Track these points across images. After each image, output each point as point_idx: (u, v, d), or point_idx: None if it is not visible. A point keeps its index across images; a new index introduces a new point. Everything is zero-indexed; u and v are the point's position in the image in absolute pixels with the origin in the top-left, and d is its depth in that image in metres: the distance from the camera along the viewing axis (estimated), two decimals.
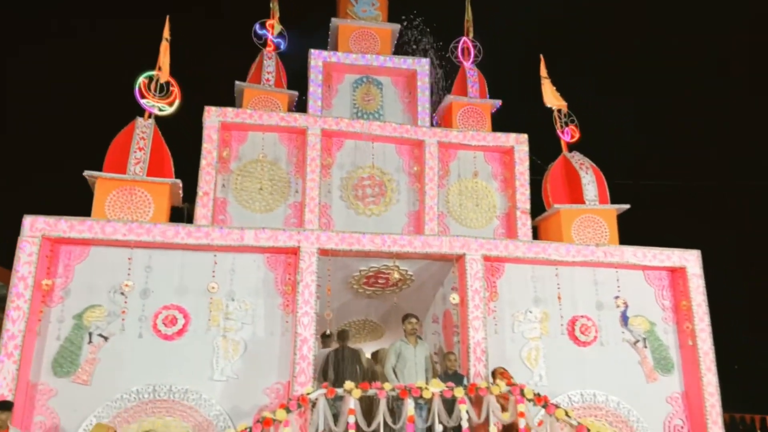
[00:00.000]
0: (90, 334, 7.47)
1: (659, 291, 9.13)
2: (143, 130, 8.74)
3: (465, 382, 7.58)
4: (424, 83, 10.40)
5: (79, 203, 8.64)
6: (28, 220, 7.47)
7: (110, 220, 7.84)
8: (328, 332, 9.27)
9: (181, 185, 8.86)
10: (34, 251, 7.33)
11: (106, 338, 7.50)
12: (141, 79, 8.98)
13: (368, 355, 10.85)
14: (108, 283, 7.68)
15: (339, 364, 8.89)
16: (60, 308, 7.52)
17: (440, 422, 6.50)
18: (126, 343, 7.55)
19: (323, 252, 8.18)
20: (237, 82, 10.05)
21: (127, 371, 7.44)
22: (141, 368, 7.48)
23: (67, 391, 7.24)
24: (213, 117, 9.21)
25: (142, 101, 8.99)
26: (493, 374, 7.77)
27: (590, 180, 9.75)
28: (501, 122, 10.66)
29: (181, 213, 9.48)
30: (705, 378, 8.43)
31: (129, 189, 8.37)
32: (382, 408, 6.46)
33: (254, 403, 7.56)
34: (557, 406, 6.72)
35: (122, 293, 7.62)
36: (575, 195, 9.85)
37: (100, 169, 8.43)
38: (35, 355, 7.26)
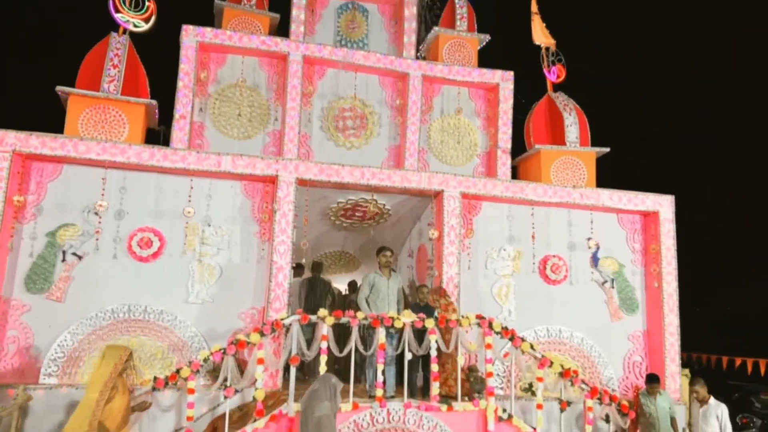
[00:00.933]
0: (63, 253, 7.47)
1: (631, 234, 9.38)
2: (117, 47, 8.46)
3: (436, 314, 7.80)
4: (411, 13, 10.11)
5: (52, 120, 8.45)
6: None
7: (83, 138, 7.68)
8: (302, 262, 9.45)
9: (156, 106, 8.67)
10: (5, 167, 7.19)
11: (80, 257, 7.51)
12: None
13: (345, 285, 11.10)
14: (82, 203, 7.62)
15: (312, 293, 9.12)
16: (32, 225, 7.47)
17: (410, 350, 6.73)
18: (100, 263, 7.58)
19: (301, 182, 8.19)
20: (216, 1, 9.67)
21: (102, 291, 7.51)
22: (116, 288, 7.55)
23: (40, 308, 7.30)
24: (191, 36, 8.90)
25: (117, 16, 8.64)
26: (434, 291, 8.03)
27: (573, 122, 9.78)
28: (488, 60, 10.51)
29: (157, 135, 9.33)
30: (667, 318, 8.82)
31: (102, 107, 8.17)
32: (354, 335, 6.65)
33: (229, 326, 7.73)
34: (523, 340, 6.99)
35: (96, 213, 7.57)
36: (557, 136, 9.89)
37: (72, 86, 8.19)
38: (8, 271, 7.26)
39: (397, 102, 9.76)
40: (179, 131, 8.52)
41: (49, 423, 6.72)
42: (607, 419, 6.85)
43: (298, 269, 9.24)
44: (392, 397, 6.81)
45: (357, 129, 9.61)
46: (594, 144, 9.91)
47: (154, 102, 8.55)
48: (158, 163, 7.76)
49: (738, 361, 10.79)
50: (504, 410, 6.72)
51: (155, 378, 5.98)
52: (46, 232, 7.48)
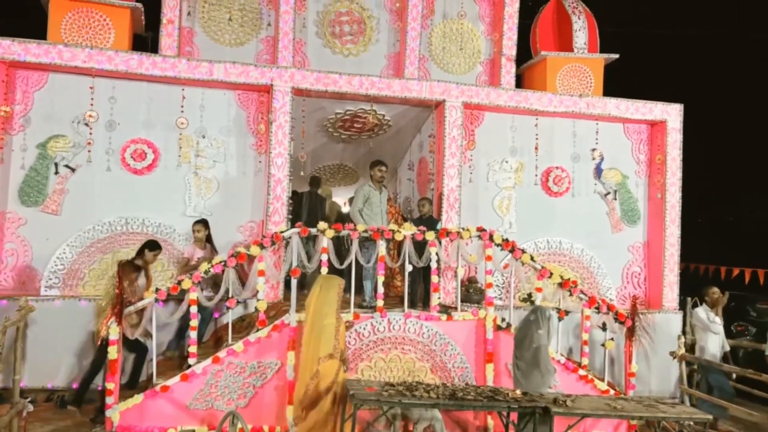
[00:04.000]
0: (56, 165, 7.36)
1: (636, 144, 9.23)
2: None
3: (438, 226, 7.81)
4: None
5: (34, 26, 8.03)
6: None
7: (68, 44, 7.34)
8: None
9: (142, 11, 8.23)
10: None
11: (73, 169, 7.40)
12: None
13: (344, 199, 11.07)
14: (71, 113, 7.41)
15: (310, 206, 9.09)
16: (22, 136, 7.30)
17: (410, 262, 6.76)
18: (94, 175, 7.48)
19: (297, 92, 7.93)
20: None
21: (98, 203, 7.46)
22: (112, 201, 7.51)
23: (36, 220, 7.28)
24: None
25: None
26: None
27: (582, 26, 9.34)
28: None
29: (145, 42, 8.92)
30: (668, 230, 8.84)
31: (86, 11, 7.73)
32: (355, 247, 6.65)
33: (228, 239, 7.73)
34: (523, 251, 7.00)
35: (86, 124, 7.38)
36: (564, 42, 9.49)
37: None
38: (0, 184, 7.17)
39: (396, 5, 9.25)
40: (167, 37, 8.12)
41: (52, 333, 6.88)
42: (603, 327, 6.99)
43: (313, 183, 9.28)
44: (371, 307, 6.91)
45: (354, 35, 9.18)
46: (602, 50, 9.53)
47: (139, 5, 8.11)
48: (147, 72, 7.48)
49: (736, 271, 10.95)
50: (503, 319, 6.85)
51: (157, 289, 6.02)
52: (36, 143, 7.33)
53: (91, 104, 7.38)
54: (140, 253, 6.76)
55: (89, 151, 7.41)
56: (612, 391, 6.84)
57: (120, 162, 7.57)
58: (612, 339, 7.02)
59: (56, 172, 7.35)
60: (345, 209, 11.26)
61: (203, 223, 7.26)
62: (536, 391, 5.49)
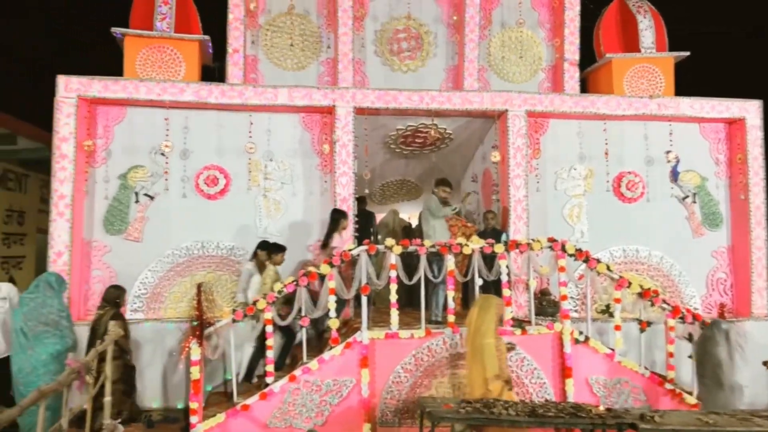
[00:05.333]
0: (136, 194, 7.76)
1: (714, 144, 8.81)
2: None
3: (504, 237, 7.69)
4: None
5: (112, 64, 8.53)
6: (62, 80, 7.49)
7: (143, 79, 7.77)
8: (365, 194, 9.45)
9: (210, 42, 8.61)
10: (72, 112, 7.42)
11: (152, 197, 7.78)
12: None
13: (407, 214, 11.08)
14: (148, 144, 7.82)
15: (360, 224, 9.16)
16: (104, 169, 7.76)
17: (480, 276, 6.68)
18: (171, 202, 7.83)
19: (359, 111, 8.06)
20: None
21: (175, 229, 7.80)
22: (188, 226, 7.82)
23: (120, 248, 7.69)
24: None
25: None
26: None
27: (648, 25, 9.03)
28: None
29: (212, 73, 9.29)
30: (754, 232, 8.37)
31: (158, 47, 8.17)
32: (423, 263, 6.64)
33: (298, 259, 7.89)
34: (599, 261, 6.79)
35: (163, 154, 7.78)
36: (630, 43, 9.20)
37: (127, 26, 8.20)
38: (86, 214, 7.63)
39: (453, 18, 9.28)
40: (234, 66, 8.45)
41: (138, 355, 7.21)
42: (690, 338, 6.66)
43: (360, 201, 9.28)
44: (441, 323, 6.85)
45: (412, 51, 9.25)
46: (672, 48, 9.18)
47: (207, 38, 8.49)
48: (217, 100, 7.81)
49: None
50: (580, 332, 6.64)
51: (234, 310, 6.22)
52: (117, 174, 7.77)
53: (167, 135, 7.77)
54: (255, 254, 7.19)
55: (166, 179, 7.79)
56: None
57: (194, 188, 7.90)
58: None
59: (137, 201, 7.75)
60: (413, 222, 11.29)
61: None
62: (723, 409, 5.36)
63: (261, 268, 7.11)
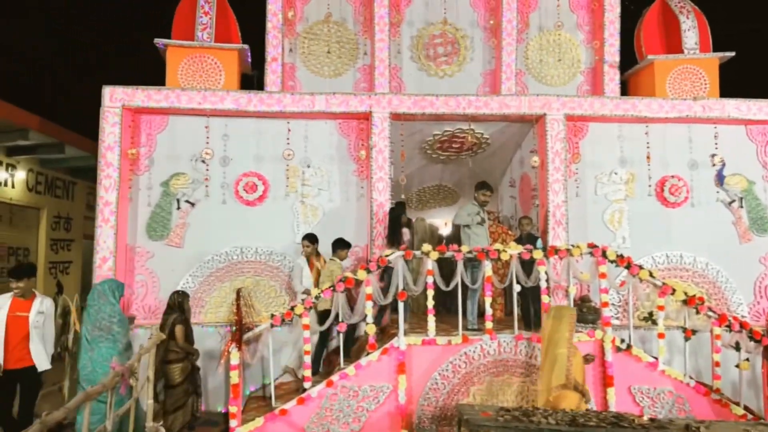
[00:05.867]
0: (178, 201, 7.95)
1: (762, 147, 8.53)
2: None
3: (539, 243, 7.59)
4: None
5: (155, 73, 8.79)
6: (107, 91, 7.74)
7: (185, 88, 7.97)
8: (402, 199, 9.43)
9: (248, 51, 8.77)
10: (116, 121, 7.67)
11: (192, 204, 7.96)
12: None
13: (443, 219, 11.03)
14: (189, 152, 8.02)
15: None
16: (147, 176, 7.98)
17: (518, 282, 6.61)
18: (211, 208, 8.00)
19: (395, 116, 8.09)
20: None
21: (215, 235, 7.95)
22: (228, 232, 7.97)
23: (162, 253, 7.88)
24: None
25: None
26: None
27: (691, 25, 8.81)
28: None
29: (251, 81, 9.47)
30: None
31: (199, 56, 8.37)
32: (460, 269, 6.60)
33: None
34: (641, 267, 6.63)
35: (203, 161, 7.96)
36: (672, 44, 8.99)
37: (169, 37, 8.43)
38: (130, 221, 7.86)
39: (490, 22, 9.23)
40: (272, 74, 8.58)
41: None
42: (737, 347, 6.44)
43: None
44: (477, 329, 6.79)
45: (449, 56, 9.23)
46: (716, 49, 8.93)
47: (246, 47, 8.65)
48: (255, 108, 7.94)
49: None
50: (622, 340, 6.50)
51: (272, 315, 6.30)
52: (160, 182, 7.97)
53: (207, 142, 7.95)
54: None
55: (206, 186, 7.97)
56: (750, 416, 6.27)
57: (234, 195, 8.05)
58: (747, 359, 6.46)
59: (178, 208, 7.95)
60: (446, 229, 11.25)
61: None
62: None
63: (308, 260, 7.32)
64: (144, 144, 8.03)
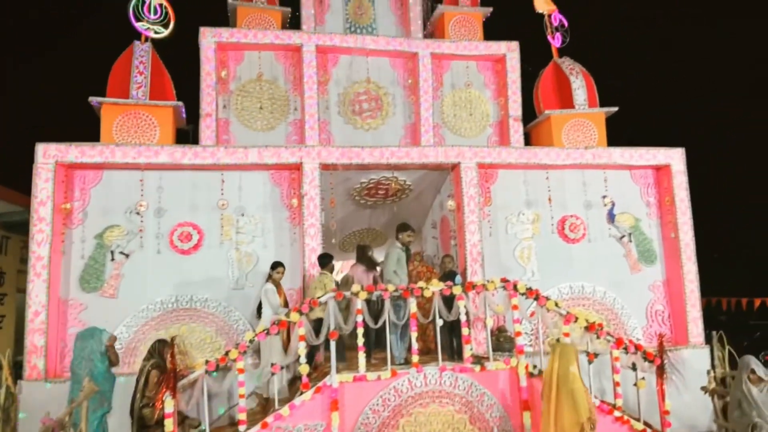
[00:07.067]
0: (112, 252, 7.58)
1: (644, 189, 9.13)
2: (141, 54, 8.41)
3: (457, 279, 7.71)
4: None
5: (89, 129, 8.48)
6: (41, 148, 7.38)
7: (119, 144, 7.72)
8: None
9: (183, 107, 8.64)
10: (50, 177, 7.30)
11: (127, 255, 7.61)
12: (134, 2, 8.53)
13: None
14: (123, 204, 7.71)
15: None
16: (81, 229, 7.58)
17: (440, 317, 6.68)
18: (146, 258, 7.67)
19: (325, 167, 8.12)
20: (230, 1, 9.52)
21: (150, 284, 7.61)
22: (162, 281, 7.65)
23: (96, 305, 7.45)
24: (209, 38, 8.80)
25: (138, 24, 8.58)
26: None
27: (580, 85, 9.45)
28: (493, 31, 10.19)
29: (186, 135, 9.31)
30: (685, 267, 8.61)
31: (133, 113, 8.16)
32: (387, 307, 6.61)
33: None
34: (548, 298, 6.87)
35: (138, 213, 7.66)
36: (565, 100, 9.60)
37: (104, 95, 8.19)
38: (63, 274, 7.41)
39: (408, 81, 9.56)
40: (206, 129, 8.48)
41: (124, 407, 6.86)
42: (633, 367, 6.73)
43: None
44: (405, 363, 6.79)
45: (373, 111, 9.46)
46: (603, 103, 9.59)
47: (180, 103, 8.52)
48: (190, 161, 7.78)
49: (758, 302, 10.51)
50: (534, 366, 6.65)
51: (207, 361, 6.04)
52: (94, 234, 7.59)
53: (141, 195, 7.68)
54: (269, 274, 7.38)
55: (141, 237, 7.66)
56: (649, 430, 6.51)
57: (169, 244, 7.76)
58: (643, 378, 6.74)
59: (112, 259, 7.57)
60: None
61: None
62: None
63: (277, 286, 7.31)
64: (78, 198, 7.65)
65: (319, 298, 6.51)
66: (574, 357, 5.75)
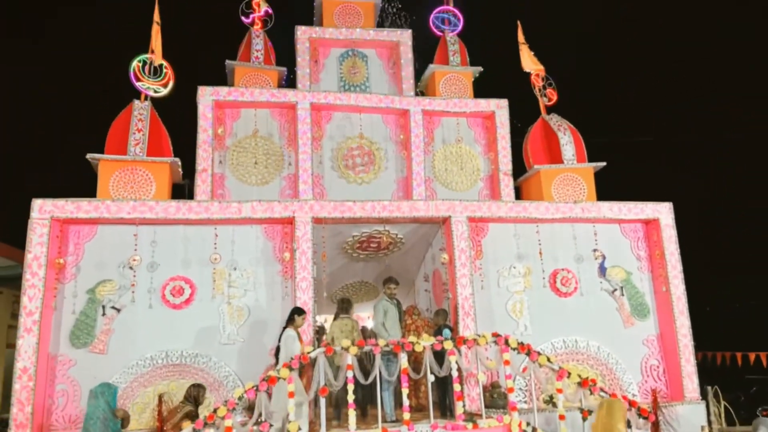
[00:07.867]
0: (103, 307, 7.61)
1: (634, 242, 9.25)
2: (140, 112, 8.69)
3: (446, 334, 7.71)
4: (407, 54, 10.28)
5: (85, 183, 8.66)
6: (37, 203, 7.52)
7: (115, 199, 7.88)
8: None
9: (179, 163, 8.85)
10: (44, 232, 7.40)
11: (118, 310, 7.64)
12: (135, 63, 8.89)
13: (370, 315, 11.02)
14: (117, 259, 7.79)
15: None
16: (73, 284, 7.63)
17: (432, 372, 6.66)
18: (137, 313, 7.69)
19: (317, 220, 8.26)
20: (227, 61, 9.94)
21: (140, 339, 7.60)
22: (153, 336, 7.64)
23: (85, 361, 7.41)
24: (206, 96, 9.14)
25: (138, 84, 8.91)
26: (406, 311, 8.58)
27: (568, 140, 9.74)
28: (483, 89, 10.59)
29: (182, 189, 9.50)
30: (678, 321, 8.62)
31: (130, 169, 8.37)
32: (378, 362, 6.60)
33: (261, 363, 7.72)
34: (539, 353, 6.88)
35: (131, 267, 7.73)
36: (554, 155, 9.85)
37: (102, 152, 8.41)
38: (53, 329, 7.40)
39: (400, 137, 9.86)
40: (202, 183, 8.68)
41: None
42: (628, 424, 6.67)
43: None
44: (396, 420, 6.73)
45: (366, 165, 9.71)
46: (591, 158, 9.85)
47: (177, 159, 8.73)
48: (184, 216, 7.91)
49: (752, 357, 10.46)
50: (528, 423, 6.59)
51: (195, 419, 5.99)
52: (86, 289, 7.64)
53: (135, 249, 7.77)
54: (290, 319, 7.14)
55: (133, 291, 7.70)
56: None
57: (161, 299, 7.80)
58: None
59: (103, 314, 7.58)
60: (369, 323, 11.22)
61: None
62: None
63: (298, 332, 7.15)
64: (71, 253, 7.74)
65: (309, 353, 6.51)
66: (621, 414, 5.91)
